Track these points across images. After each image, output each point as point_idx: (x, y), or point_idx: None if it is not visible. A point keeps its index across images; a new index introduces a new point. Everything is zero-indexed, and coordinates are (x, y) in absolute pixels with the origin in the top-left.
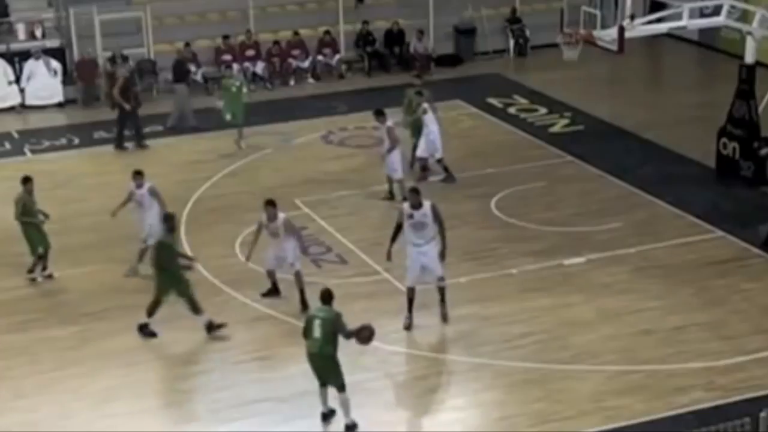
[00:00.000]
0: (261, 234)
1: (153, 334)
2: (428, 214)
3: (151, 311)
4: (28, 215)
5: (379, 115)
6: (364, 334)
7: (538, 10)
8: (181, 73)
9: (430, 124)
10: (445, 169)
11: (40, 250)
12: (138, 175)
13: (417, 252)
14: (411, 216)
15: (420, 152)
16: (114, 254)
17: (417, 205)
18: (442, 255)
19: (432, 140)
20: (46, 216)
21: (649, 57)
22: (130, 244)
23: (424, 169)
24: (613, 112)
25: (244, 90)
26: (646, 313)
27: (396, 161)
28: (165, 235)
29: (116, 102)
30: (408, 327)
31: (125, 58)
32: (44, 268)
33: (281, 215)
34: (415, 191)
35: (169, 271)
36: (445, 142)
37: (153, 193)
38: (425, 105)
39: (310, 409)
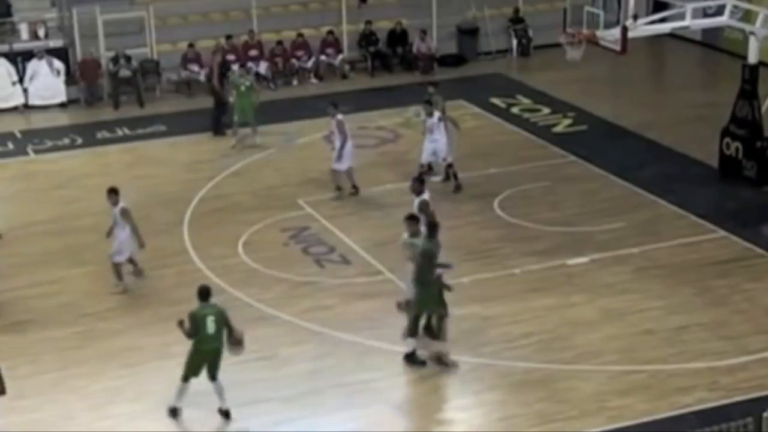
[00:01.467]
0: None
1: (422, 363)
2: (415, 207)
3: (411, 331)
4: None
5: (334, 107)
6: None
7: (541, 10)
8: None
9: (436, 132)
10: (454, 176)
11: None
12: (112, 193)
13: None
14: (412, 245)
15: (423, 158)
16: None
17: (417, 194)
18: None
19: (440, 147)
20: None
21: (652, 57)
22: None
23: (429, 169)
24: (616, 112)
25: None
26: (648, 313)
27: (348, 153)
28: (427, 243)
29: (215, 91)
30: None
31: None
32: None
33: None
34: (419, 180)
35: (429, 287)
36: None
37: (124, 213)
38: (437, 114)
39: (313, 409)
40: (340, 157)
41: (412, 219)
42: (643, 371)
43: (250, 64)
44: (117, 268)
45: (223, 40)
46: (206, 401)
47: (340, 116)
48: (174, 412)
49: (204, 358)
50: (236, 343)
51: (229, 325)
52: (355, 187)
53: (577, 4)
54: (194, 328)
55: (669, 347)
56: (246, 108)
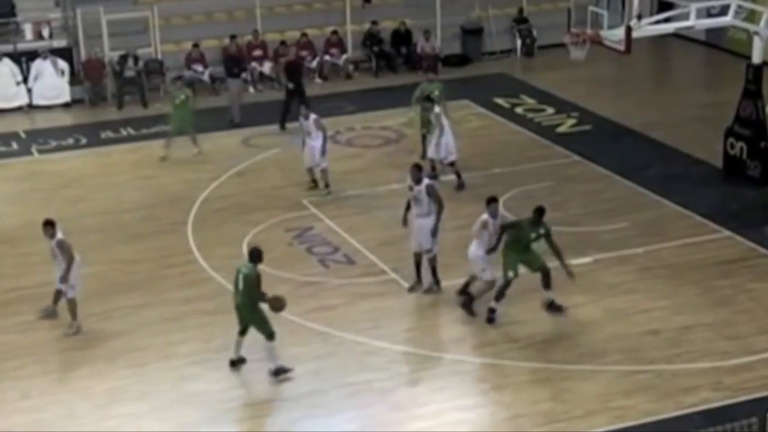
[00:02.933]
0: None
1: (560, 308)
2: (423, 191)
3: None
4: None
5: (306, 108)
6: (276, 305)
7: (545, 10)
8: (232, 67)
9: (445, 126)
10: (457, 175)
11: None
12: (48, 225)
13: (416, 222)
14: (411, 189)
15: (431, 153)
16: (120, 255)
17: (416, 181)
18: (433, 232)
19: (446, 143)
20: None
21: (657, 57)
22: (136, 244)
23: (434, 168)
24: (620, 112)
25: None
26: (652, 313)
27: (325, 150)
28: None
29: (283, 83)
30: (411, 289)
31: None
32: None
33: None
34: (416, 167)
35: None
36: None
37: (61, 246)
38: (436, 109)
39: (317, 409)
40: (323, 153)
41: (415, 167)
42: (648, 371)
43: (254, 63)
44: (71, 304)
45: (227, 40)
46: (203, 401)
47: (313, 115)
48: (233, 363)
49: (236, 310)
50: (273, 308)
51: (256, 290)
52: (314, 181)
53: (581, 4)
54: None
55: (673, 347)
56: (184, 119)
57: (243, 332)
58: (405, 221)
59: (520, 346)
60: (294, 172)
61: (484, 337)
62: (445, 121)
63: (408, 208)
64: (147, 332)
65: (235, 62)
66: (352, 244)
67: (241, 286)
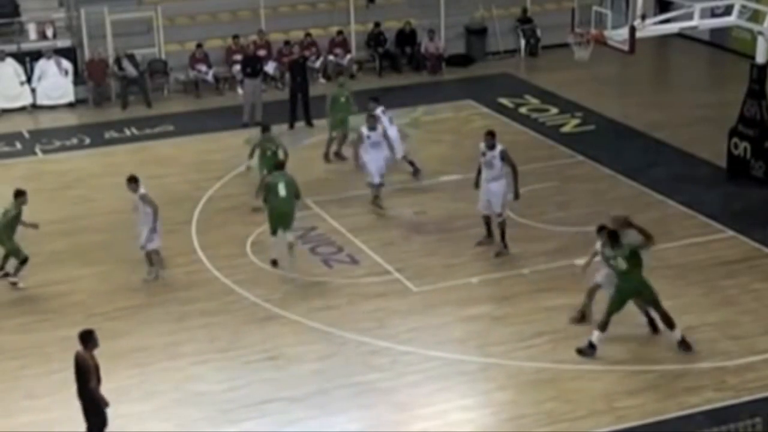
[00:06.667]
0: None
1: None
2: (497, 156)
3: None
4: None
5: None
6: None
7: (549, 10)
8: (251, 67)
9: (388, 128)
10: (411, 164)
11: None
12: (131, 181)
13: (485, 187)
14: (484, 154)
15: (398, 155)
16: (124, 254)
17: (490, 147)
18: (516, 195)
19: (394, 141)
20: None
21: (660, 57)
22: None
23: (412, 164)
24: (624, 112)
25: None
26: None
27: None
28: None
29: (287, 83)
30: (479, 244)
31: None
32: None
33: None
34: (490, 134)
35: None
36: (456, 141)
37: (144, 198)
38: (379, 111)
39: (321, 409)
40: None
41: (489, 134)
42: (652, 371)
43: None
44: (149, 255)
45: (230, 40)
46: (206, 401)
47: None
48: (275, 263)
49: (277, 218)
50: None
51: (297, 191)
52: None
53: (586, 4)
54: (267, 194)
55: (677, 347)
56: (343, 119)
57: (275, 233)
58: (477, 184)
59: (524, 346)
60: (297, 172)
61: (488, 336)
62: (388, 122)
63: (480, 172)
64: (151, 332)
65: (253, 62)
66: (356, 244)
67: (284, 192)
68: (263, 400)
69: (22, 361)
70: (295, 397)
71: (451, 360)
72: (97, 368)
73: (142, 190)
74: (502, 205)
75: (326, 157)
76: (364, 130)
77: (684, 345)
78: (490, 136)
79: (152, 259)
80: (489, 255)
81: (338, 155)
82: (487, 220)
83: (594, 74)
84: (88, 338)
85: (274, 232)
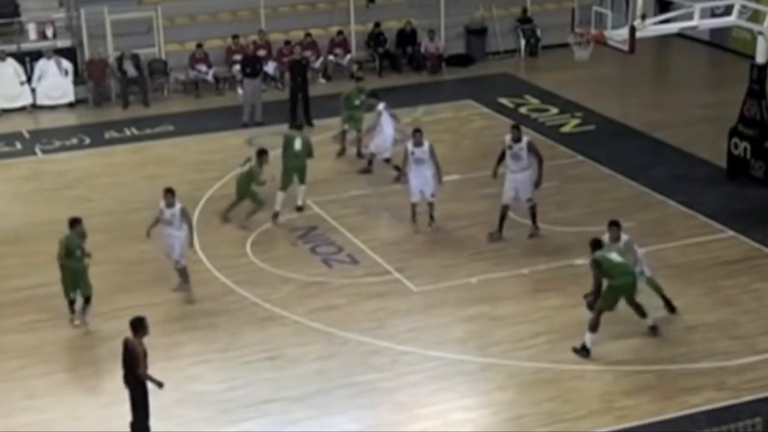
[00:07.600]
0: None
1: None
2: (524, 148)
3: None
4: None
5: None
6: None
7: (549, 10)
8: (251, 67)
9: (385, 125)
10: (396, 168)
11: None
12: (168, 193)
13: (512, 177)
14: (510, 147)
15: (371, 148)
16: (124, 254)
17: (517, 140)
18: (537, 183)
19: (384, 140)
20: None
21: (660, 57)
22: (140, 244)
23: (370, 163)
24: (624, 112)
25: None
26: (656, 312)
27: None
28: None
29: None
30: (490, 236)
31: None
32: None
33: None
34: (516, 127)
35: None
36: (456, 141)
37: (183, 213)
38: (381, 106)
39: (321, 409)
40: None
41: (515, 127)
42: (651, 371)
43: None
44: (184, 270)
45: (229, 40)
46: (206, 401)
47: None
48: (276, 216)
49: (291, 171)
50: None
51: (311, 150)
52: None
53: (586, 4)
54: (283, 149)
55: (677, 347)
56: (358, 119)
57: (285, 188)
58: (495, 174)
59: (523, 346)
60: None
61: (488, 337)
62: (389, 120)
63: (499, 162)
64: (151, 332)
65: (253, 62)
66: (356, 244)
67: (299, 146)
68: (263, 400)
69: (22, 361)
70: (295, 397)
71: (451, 360)
72: (145, 354)
73: (179, 204)
74: (530, 191)
75: (342, 152)
76: (410, 145)
77: (654, 330)
78: (516, 129)
79: (186, 274)
80: (489, 255)
81: (360, 155)
82: (504, 213)
83: (594, 74)
84: (138, 325)
85: (284, 187)
